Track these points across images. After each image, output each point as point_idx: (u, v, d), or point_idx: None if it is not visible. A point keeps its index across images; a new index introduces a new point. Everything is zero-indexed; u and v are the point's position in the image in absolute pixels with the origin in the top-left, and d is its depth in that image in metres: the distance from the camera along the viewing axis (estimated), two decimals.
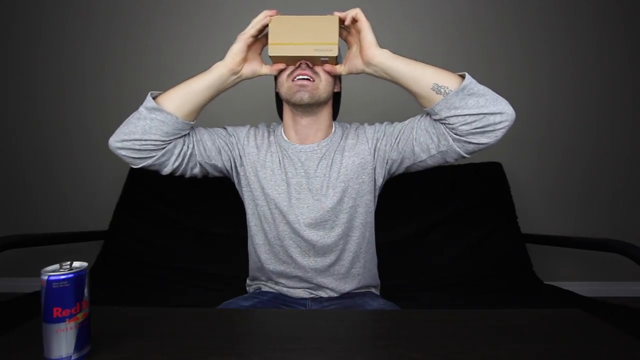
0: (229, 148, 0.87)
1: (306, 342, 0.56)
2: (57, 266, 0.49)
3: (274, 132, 0.91)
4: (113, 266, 1.41)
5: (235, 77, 0.79)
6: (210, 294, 1.23)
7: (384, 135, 0.85)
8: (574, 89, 1.88)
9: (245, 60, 0.78)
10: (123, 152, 0.77)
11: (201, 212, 1.53)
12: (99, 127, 1.86)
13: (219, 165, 0.86)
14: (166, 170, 0.80)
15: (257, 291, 0.96)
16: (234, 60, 0.76)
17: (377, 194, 0.91)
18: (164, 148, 0.77)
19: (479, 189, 1.57)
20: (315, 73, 0.80)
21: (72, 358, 0.47)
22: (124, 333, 0.56)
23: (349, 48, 0.80)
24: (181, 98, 0.76)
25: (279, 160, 0.86)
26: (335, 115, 0.96)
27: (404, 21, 1.84)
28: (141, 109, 0.76)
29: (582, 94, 1.88)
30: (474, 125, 0.70)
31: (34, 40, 1.84)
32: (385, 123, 0.89)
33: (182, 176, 0.85)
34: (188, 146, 0.80)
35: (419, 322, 0.64)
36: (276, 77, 0.86)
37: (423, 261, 1.45)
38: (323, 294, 0.90)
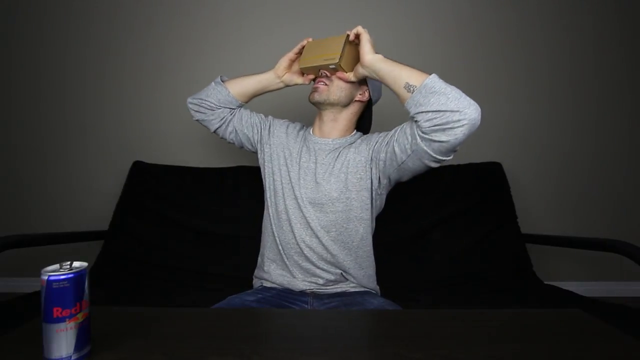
0: (261, 127, 1.08)
1: (307, 342, 0.56)
2: (57, 266, 0.49)
3: (305, 129, 1.10)
4: (113, 266, 1.41)
5: (278, 80, 1.06)
6: (210, 294, 1.23)
7: (382, 138, 0.95)
8: (574, 88, 1.88)
9: (288, 70, 1.05)
10: (190, 106, 1.08)
11: (201, 212, 1.53)
12: (99, 127, 1.86)
13: (249, 135, 1.08)
14: (212, 127, 1.08)
15: (261, 287, 0.99)
16: (279, 68, 1.04)
17: (375, 195, 0.97)
18: (214, 110, 1.05)
19: (479, 189, 1.57)
20: (330, 80, 0.98)
21: (72, 358, 0.47)
22: (124, 333, 0.56)
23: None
24: (238, 83, 1.06)
25: (299, 147, 1.03)
26: (368, 126, 1.08)
27: (404, 21, 1.84)
28: (212, 82, 1.07)
29: (582, 94, 1.88)
30: (434, 122, 0.75)
31: (33, 41, 1.84)
32: (394, 129, 0.94)
33: (224, 138, 1.11)
34: (232, 114, 1.07)
35: (419, 322, 0.64)
36: None
37: (423, 261, 1.45)
38: (320, 280, 0.94)
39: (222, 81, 1.07)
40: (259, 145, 1.08)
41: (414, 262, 1.45)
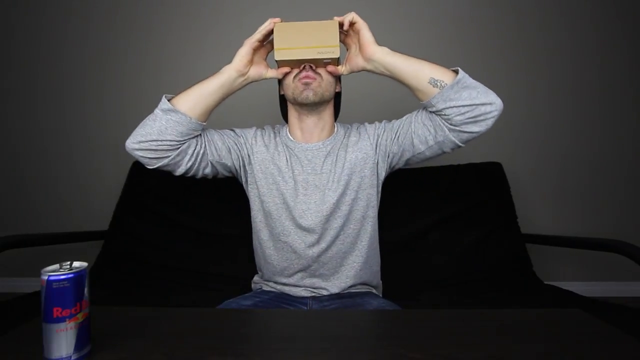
0: (238, 148, 0.91)
1: (307, 342, 0.56)
2: (57, 266, 0.49)
3: (279, 133, 0.96)
4: (113, 266, 1.41)
5: (242, 78, 0.84)
6: (210, 294, 1.23)
7: (384, 131, 0.91)
8: (573, 88, 1.88)
9: (251, 63, 0.84)
10: (140, 153, 0.80)
11: (201, 212, 1.53)
12: (99, 127, 1.86)
13: (229, 164, 0.90)
14: (180, 171, 0.84)
15: (259, 290, 0.97)
16: (241, 62, 0.82)
17: (379, 189, 0.94)
18: (179, 148, 0.81)
19: (479, 189, 1.57)
20: (318, 74, 0.85)
21: (72, 358, 0.47)
22: (124, 333, 0.56)
23: (347, 50, 0.87)
24: (194, 99, 0.81)
25: (287, 158, 0.90)
26: (336, 115, 1.01)
27: (402, 20, 1.84)
28: (157, 111, 0.80)
29: (582, 93, 1.88)
30: (467, 115, 0.76)
31: (33, 41, 1.84)
32: (384, 121, 0.94)
33: (193, 177, 0.89)
34: (201, 146, 0.84)
35: (419, 322, 0.64)
36: (280, 81, 0.91)
37: (423, 261, 1.45)
38: (324, 292, 0.91)
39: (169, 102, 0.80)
40: (241, 170, 0.92)
41: (414, 262, 1.45)
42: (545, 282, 1.37)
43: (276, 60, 0.82)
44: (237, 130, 0.94)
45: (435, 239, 1.49)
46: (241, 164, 0.92)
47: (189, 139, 0.82)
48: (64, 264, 0.50)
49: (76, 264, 0.50)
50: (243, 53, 0.82)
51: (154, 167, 0.82)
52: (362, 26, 0.80)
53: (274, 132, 0.96)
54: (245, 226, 1.44)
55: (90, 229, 1.64)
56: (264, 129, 0.97)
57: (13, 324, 0.59)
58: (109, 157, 1.85)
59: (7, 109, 1.86)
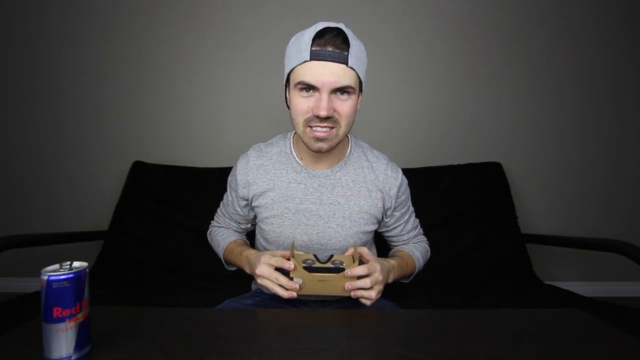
0: (243, 201, 0.90)
1: (307, 342, 0.56)
2: (57, 266, 0.49)
3: (284, 152, 0.86)
4: (113, 266, 1.41)
5: None
6: (210, 294, 1.23)
7: (392, 212, 0.91)
8: (574, 88, 1.88)
9: None
10: None
11: (201, 212, 1.53)
12: (99, 127, 1.86)
13: (251, 216, 0.94)
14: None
15: (259, 290, 0.98)
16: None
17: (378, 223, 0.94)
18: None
19: (479, 189, 1.57)
20: (336, 121, 0.74)
21: (72, 358, 0.47)
22: (124, 333, 0.56)
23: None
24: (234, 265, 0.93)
25: (286, 183, 0.83)
26: None
27: (405, 20, 1.84)
28: (227, 267, 0.99)
29: (582, 93, 1.88)
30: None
31: (32, 41, 1.84)
32: (405, 201, 0.93)
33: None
34: (250, 224, 0.99)
35: (419, 322, 0.64)
36: (287, 94, 0.81)
37: None
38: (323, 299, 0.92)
39: (227, 261, 0.96)
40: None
41: None
42: (545, 282, 1.37)
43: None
44: (229, 189, 0.94)
45: (435, 239, 1.49)
46: (251, 210, 0.92)
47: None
48: (64, 264, 0.50)
49: (76, 264, 0.50)
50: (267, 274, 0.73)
51: None
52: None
53: (274, 149, 0.87)
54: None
55: (90, 229, 1.64)
56: (247, 156, 0.88)
57: (13, 324, 0.59)
58: (109, 158, 1.85)
59: (7, 109, 1.86)
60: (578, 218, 1.89)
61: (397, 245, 0.99)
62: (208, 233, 1.07)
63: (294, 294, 0.69)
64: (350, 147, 0.88)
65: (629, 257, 1.06)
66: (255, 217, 0.92)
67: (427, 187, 1.55)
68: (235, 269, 0.95)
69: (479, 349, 0.53)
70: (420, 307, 1.16)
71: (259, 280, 0.74)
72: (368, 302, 0.70)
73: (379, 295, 0.71)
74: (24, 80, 1.85)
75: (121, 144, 1.85)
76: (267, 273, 0.71)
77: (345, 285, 0.69)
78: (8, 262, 1.75)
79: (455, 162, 1.64)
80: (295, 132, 0.81)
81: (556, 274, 1.80)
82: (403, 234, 0.97)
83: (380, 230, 0.97)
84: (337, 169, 0.84)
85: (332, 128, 0.74)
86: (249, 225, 0.99)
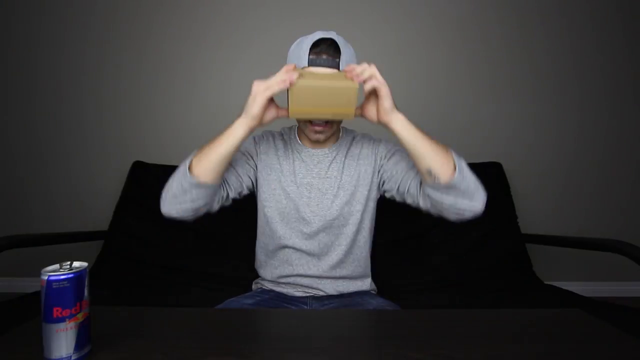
0: (249, 170, 0.92)
1: (307, 342, 0.56)
2: (57, 266, 0.49)
3: (288, 136, 0.97)
4: (113, 266, 1.41)
5: (259, 126, 0.81)
6: (210, 294, 1.24)
7: (388, 161, 0.92)
8: (574, 89, 1.88)
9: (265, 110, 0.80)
10: (178, 217, 0.85)
11: None
12: (99, 127, 1.86)
13: (245, 192, 0.93)
14: (213, 211, 0.89)
15: (259, 289, 0.99)
16: (254, 120, 0.78)
17: (375, 204, 0.97)
18: (212, 204, 0.86)
19: None
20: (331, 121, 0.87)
21: (72, 358, 0.47)
22: (124, 333, 0.56)
23: (364, 96, 0.82)
24: (214, 168, 0.80)
25: (292, 161, 0.93)
26: None
27: (405, 20, 1.84)
28: (184, 184, 0.80)
29: (583, 94, 1.88)
30: (445, 208, 0.80)
31: (32, 41, 1.84)
32: (395, 149, 0.93)
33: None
34: (225, 191, 0.88)
35: (419, 322, 0.64)
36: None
37: (423, 261, 1.45)
38: (321, 292, 0.93)
39: (190, 169, 0.81)
40: (255, 183, 0.95)
41: (413, 262, 1.45)
42: (545, 282, 1.37)
43: (290, 117, 0.80)
44: (244, 150, 0.93)
45: (435, 239, 1.49)
46: (255, 182, 0.94)
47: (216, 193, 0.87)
48: (64, 264, 0.50)
49: (76, 264, 0.50)
50: (256, 111, 0.76)
51: (194, 218, 0.86)
52: (383, 93, 0.75)
53: (281, 136, 0.98)
54: (245, 226, 1.44)
55: (90, 229, 1.64)
56: (262, 136, 0.97)
57: (13, 324, 0.59)
58: (109, 158, 1.85)
59: (7, 109, 1.86)
60: (578, 218, 1.89)
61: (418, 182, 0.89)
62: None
63: (294, 75, 0.71)
64: (342, 132, 0.98)
65: (629, 257, 1.06)
66: (240, 192, 0.91)
67: None
68: (198, 185, 0.80)
69: (479, 349, 0.53)
70: (420, 307, 1.16)
71: (257, 101, 0.75)
72: (370, 80, 0.74)
73: (377, 73, 0.74)
74: (24, 80, 1.85)
75: (121, 144, 1.85)
76: (261, 82, 0.75)
77: (346, 72, 0.75)
78: (8, 262, 1.75)
79: None
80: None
81: (556, 274, 1.80)
82: (410, 170, 0.89)
83: (393, 191, 0.91)
84: (334, 147, 0.94)
85: (328, 123, 0.87)
86: (231, 191, 0.90)
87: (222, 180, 0.86)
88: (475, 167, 1.58)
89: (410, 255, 1.46)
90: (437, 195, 0.79)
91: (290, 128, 1.00)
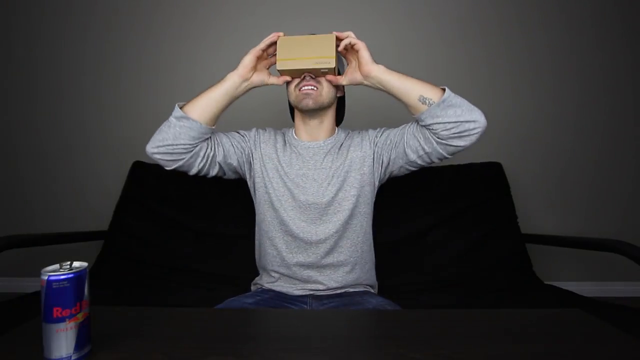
0: (242, 147, 0.98)
1: (307, 342, 0.56)
2: (57, 266, 0.49)
3: (286, 133, 1.04)
4: (113, 266, 1.41)
5: (246, 84, 0.91)
6: (210, 294, 1.23)
7: (381, 135, 0.98)
8: (575, 89, 1.88)
9: (254, 69, 0.91)
10: (158, 156, 0.89)
11: (201, 212, 1.53)
12: (98, 127, 1.86)
13: (234, 164, 0.97)
14: (193, 171, 0.93)
15: (259, 289, 0.99)
16: (245, 69, 0.89)
17: (375, 189, 1.00)
18: (192, 151, 0.89)
19: (479, 189, 1.57)
20: (318, 82, 0.92)
21: (72, 358, 0.47)
22: (124, 333, 0.56)
23: (348, 64, 0.94)
24: (203, 107, 0.89)
25: (289, 154, 0.98)
26: (340, 119, 1.09)
27: (404, 20, 1.84)
28: (171, 118, 0.88)
29: (583, 94, 1.88)
30: (453, 130, 0.84)
31: (32, 41, 1.84)
32: (383, 128, 1.01)
33: (205, 176, 0.97)
34: (211, 149, 0.93)
35: (419, 322, 0.64)
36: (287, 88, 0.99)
37: (423, 261, 1.45)
38: (321, 286, 0.94)
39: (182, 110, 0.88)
40: (245, 166, 0.99)
41: (414, 262, 1.45)
42: (545, 282, 1.37)
43: (278, 70, 0.89)
44: (241, 132, 1.02)
45: (435, 239, 1.49)
46: (245, 161, 0.98)
47: (200, 142, 0.90)
48: (64, 264, 0.50)
49: (76, 264, 0.50)
50: (247, 61, 0.89)
51: (171, 168, 0.91)
52: (361, 47, 0.86)
53: (277, 132, 1.04)
54: (245, 226, 1.44)
55: (90, 229, 1.64)
56: (264, 129, 1.04)
57: (13, 324, 0.59)
58: (109, 157, 1.85)
59: (7, 109, 1.86)
60: (578, 218, 1.89)
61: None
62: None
63: (280, 33, 0.87)
64: (337, 130, 1.04)
65: (629, 257, 1.06)
66: (226, 159, 0.95)
67: (427, 187, 1.55)
68: (183, 117, 0.86)
69: (479, 349, 0.53)
70: (420, 307, 1.16)
71: (250, 53, 0.89)
72: (347, 39, 0.87)
73: (353, 35, 0.87)
74: (24, 80, 1.85)
75: (121, 144, 1.85)
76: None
77: (333, 34, 0.87)
78: (8, 262, 1.75)
79: (455, 162, 1.63)
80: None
81: (556, 274, 1.80)
82: (403, 133, 0.94)
83: (398, 158, 0.94)
84: (329, 141, 0.99)
85: (316, 89, 0.92)
86: (218, 153, 0.94)
87: (212, 139, 0.93)
88: (475, 167, 1.60)
89: (410, 255, 1.46)
90: (438, 119, 0.83)
91: (289, 128, 1.06)
